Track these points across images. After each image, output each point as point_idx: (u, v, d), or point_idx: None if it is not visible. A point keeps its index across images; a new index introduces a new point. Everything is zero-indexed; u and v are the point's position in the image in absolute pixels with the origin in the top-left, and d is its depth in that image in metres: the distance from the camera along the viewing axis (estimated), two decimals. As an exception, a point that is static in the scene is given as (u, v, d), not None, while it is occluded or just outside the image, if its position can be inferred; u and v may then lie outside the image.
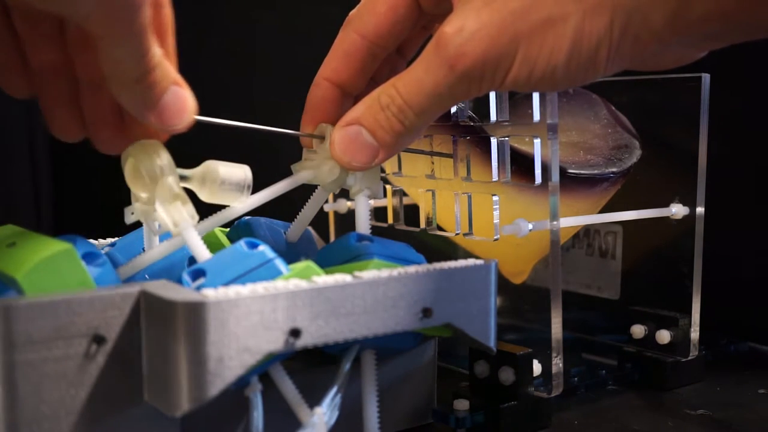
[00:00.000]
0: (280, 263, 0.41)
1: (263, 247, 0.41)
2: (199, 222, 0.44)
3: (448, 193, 0.54)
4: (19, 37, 0.41)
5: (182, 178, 0.43)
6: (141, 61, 0.38)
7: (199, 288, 0.39)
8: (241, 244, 0.41)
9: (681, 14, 0.37)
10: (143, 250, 0.47)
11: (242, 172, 0.44)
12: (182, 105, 0.41)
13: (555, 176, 0.49)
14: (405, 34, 0.46)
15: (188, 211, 0.42)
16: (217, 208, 0.46)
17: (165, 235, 0.44)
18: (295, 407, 0.42)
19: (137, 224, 0.45)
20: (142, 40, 0.37)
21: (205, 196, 0.44)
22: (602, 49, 0.39)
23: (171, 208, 0.42)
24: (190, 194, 0.43)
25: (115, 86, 0.39)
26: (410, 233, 0.57)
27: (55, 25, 0.41)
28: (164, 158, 0.42)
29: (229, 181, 0.44)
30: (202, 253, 0.42)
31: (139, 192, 0.43)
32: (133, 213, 0.44)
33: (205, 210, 0.45)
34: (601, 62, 0.39)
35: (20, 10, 0.40)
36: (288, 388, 0.42)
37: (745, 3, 0.37)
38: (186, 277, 0.40)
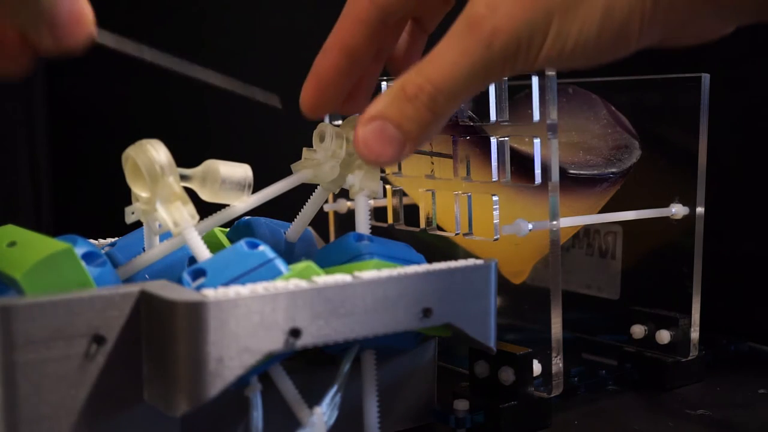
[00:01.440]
0: (280, 263, 0.41)
1: (263, 247, 0.41)
2: (199, 222, 0.44)
3: (448, 193, 0.54)
4: None
5: (183, 177, 0.43)
6: None
7: (199, 288, 0.39)
8: (242, 244, 0.41)
9: None
10: (143, 250, 0.47)
11: (243, 171, 0.44)
12: (78, 16, 0.36)
13: (555, 176, 0.49)
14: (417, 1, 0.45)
15: (189, 210, 0.42)
16: (217, 207, 0.46)
17: (165, 235, 0.44)
18: (295, 407, 0.42)
19: (137, 224, 0.45)
20: None
21: (205, 196, 0.44)
22: (634, 17, 0.37)
23: (171, 207, 0.42)
24: (191, 194, 0.43)
25: None
26: (410, 233, 0.57)
27: None
28: (165, 157, 0.42)
29: (229, 180, 0.44)
30: (202, 253, 0.42)
31: (139, 192, 0.43)
32: (133, 213, 0.44)
33: (205, 210, 0.45)
34: (634, 33, 0.38)
35: None
36: (288, 388, 0.42)
37: None
38: (186, 277, 0.40)
